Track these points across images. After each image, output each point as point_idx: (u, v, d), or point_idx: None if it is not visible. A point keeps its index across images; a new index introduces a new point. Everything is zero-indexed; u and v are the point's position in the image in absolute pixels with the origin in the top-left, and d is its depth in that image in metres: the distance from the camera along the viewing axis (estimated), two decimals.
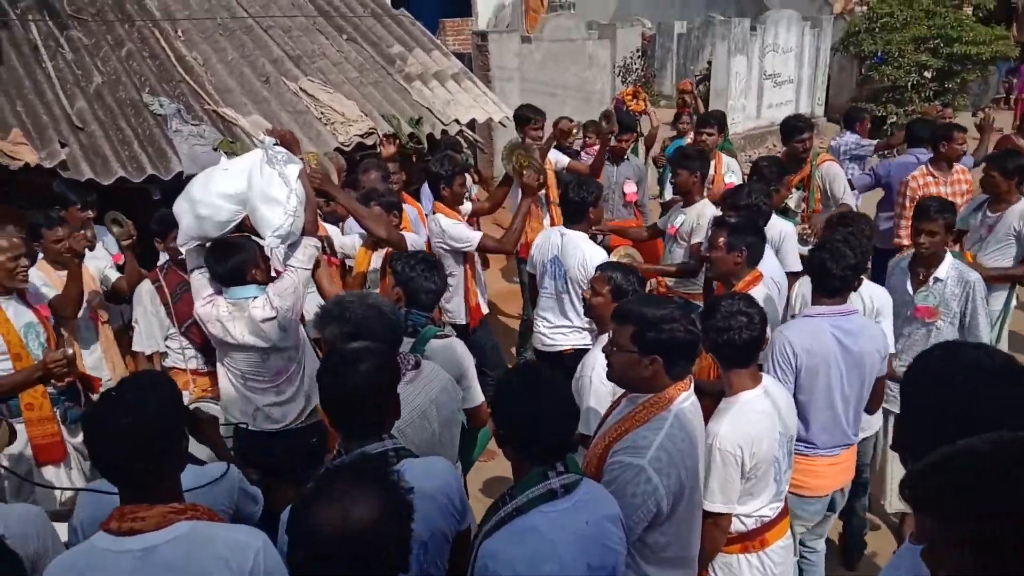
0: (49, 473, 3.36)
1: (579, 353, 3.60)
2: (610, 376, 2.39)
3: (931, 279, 3.72)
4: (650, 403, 2.23)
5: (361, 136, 5.83)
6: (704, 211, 4.55)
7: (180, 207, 3.08)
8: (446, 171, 4.41)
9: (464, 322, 4.51)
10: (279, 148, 3.16)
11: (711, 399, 2.67)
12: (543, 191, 5.22)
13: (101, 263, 4.30)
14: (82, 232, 3.70)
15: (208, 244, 3.09)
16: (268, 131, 3.40)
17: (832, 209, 5.11)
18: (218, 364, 3.23)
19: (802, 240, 4.78)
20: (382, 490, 1.44)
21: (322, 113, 5.90)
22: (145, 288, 3.66)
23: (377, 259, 4.18)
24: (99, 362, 4.01)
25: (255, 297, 3.04)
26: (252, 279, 3.07)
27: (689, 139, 6.34)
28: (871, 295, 3.48)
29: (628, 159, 5.98)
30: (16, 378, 3.17)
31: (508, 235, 4.46)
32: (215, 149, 5.23)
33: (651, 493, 2.10)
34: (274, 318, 3.03)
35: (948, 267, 3.71)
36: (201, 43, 6.17)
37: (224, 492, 2.05)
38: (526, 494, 1.88)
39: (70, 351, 3.26)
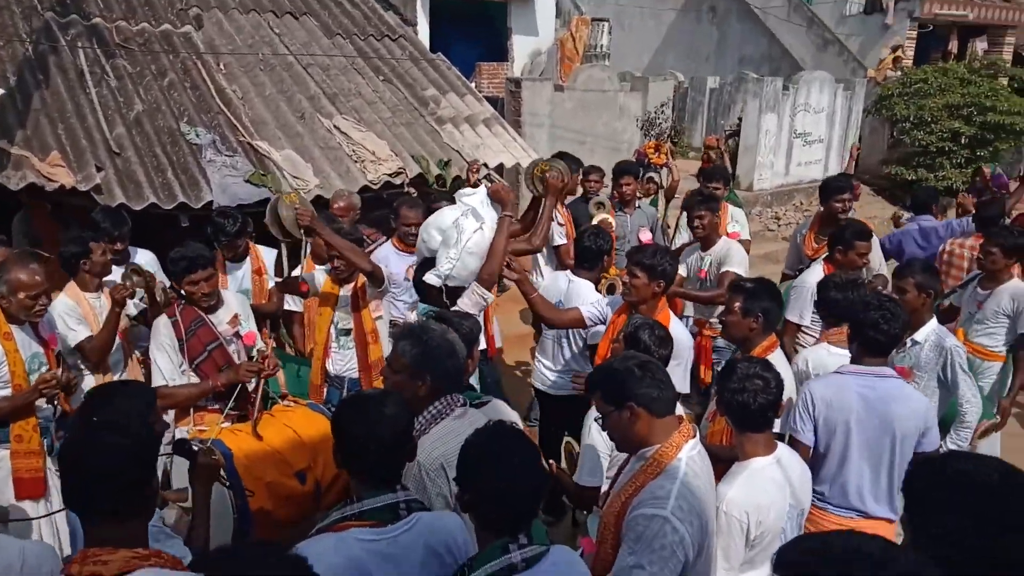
0: (26, 507, 3.33)
1: (578, 399, 3.58)
2: (614, 444, 2.43)
3: (908, 341, 3.70)
4: (659, 454, 2.22)
5: (390, 175, 5.90)
6: (730, 248, 4.73)
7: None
8: None
9: (483, 347, 4.48)
10: (474, 200, 3.46)
11: (724, 465, 2.62)
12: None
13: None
14: (124, 284, 3.79)
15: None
16: (490, 187, 3.57)
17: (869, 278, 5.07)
18: None
19: None
20: None
21: (353, 151, 5.99)
22: (162, 322, 3.68)
23: (344, 295, 4.13)
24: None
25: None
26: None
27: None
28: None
29: (640, 207, 5.95)
30: (13, 403, 3.26)
31: (535, 235, 4.40)
32: (246, 180, 5.33)
33: (679, 543, 2.06)
34: None
35: (927, 332, 3.70)
36: (241, 76, 6.33)
37: None
38: (484, 568, 1.80)
39: (60, 372, 3.36)
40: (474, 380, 3.61)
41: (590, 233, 4.30)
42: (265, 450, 3.27)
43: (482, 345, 4.40)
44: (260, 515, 2.99)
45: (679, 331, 3.61)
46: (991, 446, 4.21)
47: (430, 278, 3.38)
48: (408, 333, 2.57)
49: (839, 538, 1.21)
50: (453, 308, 3.30)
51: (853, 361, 3.12)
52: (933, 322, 3.74)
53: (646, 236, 5.78)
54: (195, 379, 3.61)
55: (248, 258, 4.51)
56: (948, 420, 3.66)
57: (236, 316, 3.74)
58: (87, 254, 3.96)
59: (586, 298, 4.05)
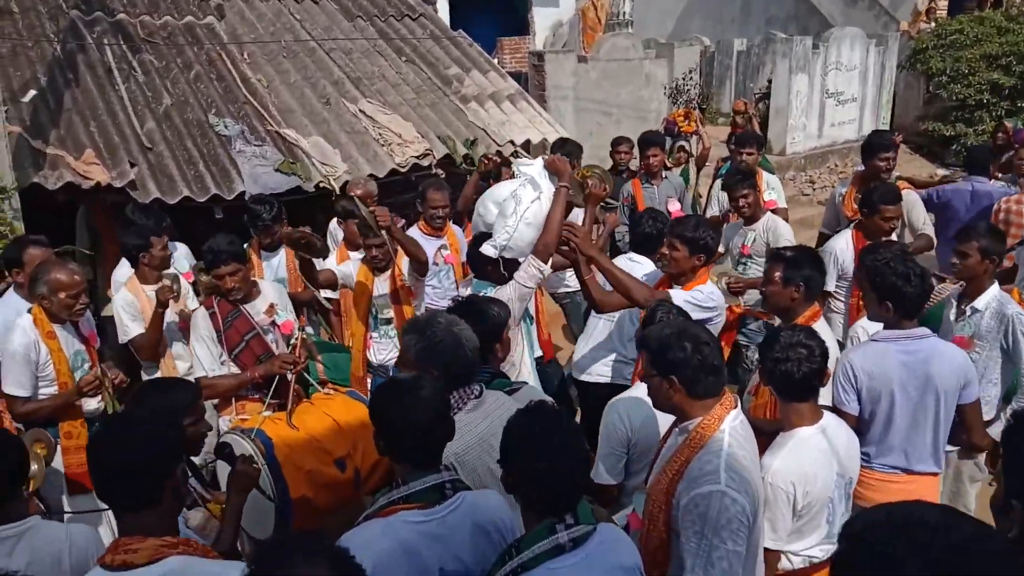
0: (76, 503, 3.43)
1: (615, 388, 3.54)
2: (652, 403, 2.39)
3: (968, 309, 3.60)
4: (701, 426, 2.19)
5: (417, 157, 5.89)
6: (777, 225, 4.70)
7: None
8: None
9: (539, 353, 4.41)
10: (532, 171, 3.44)
11: (767, 438, 2.59)
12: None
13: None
14: (169, 284, 3.86)
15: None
16: (547, 158, 3.55)
17: (911, 240, 4.95)
18: None
19: None
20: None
21: (380, 134, 5.99)
22: (200, 314, 3.75)
23: (382, 285, 4.11)
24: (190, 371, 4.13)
25: (483, 293, 3.38)
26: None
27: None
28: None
29: (666, 178, 5.85)
30: (55, 402, 3.38)
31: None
32: (276, 170, 5.36)
33: (741, 512, 2.06)
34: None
35: (988, 299, 3.56)
36: (265, 65, 6.35)
37: None
38: (532, 549, 1.80)
39: (103, 370, 3.47)
40: (533, 381, 3.59)
41: (648, 217, 4.22)
42: (305, 438, 3.31)
43: (537, 352, 4.31)
44: (300, 503, 3.04)
45: (714, 292, 3.56)
46: None
47: (487, 248, 3.36)
48: (413, 327, 2.54)
49: (901, 508, 1.20)
50: (511, 280, 3.29)
51: (887, 327, 3.07)
52: (994, 288, 3.59)
53: (675, 206, 5.68)
54: (235, 369, 3.68)
55: (283, 247, 4.54)
56: (1012, 392, 3.55)
57: (272, 306, 3.78)
58: (147, 247, 4.07)
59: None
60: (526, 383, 2.95)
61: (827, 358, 2.58)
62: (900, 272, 2.96)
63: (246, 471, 2.52)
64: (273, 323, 3.77)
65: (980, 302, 3.57)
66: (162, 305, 3.88)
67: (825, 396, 2.86)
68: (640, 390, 2.74)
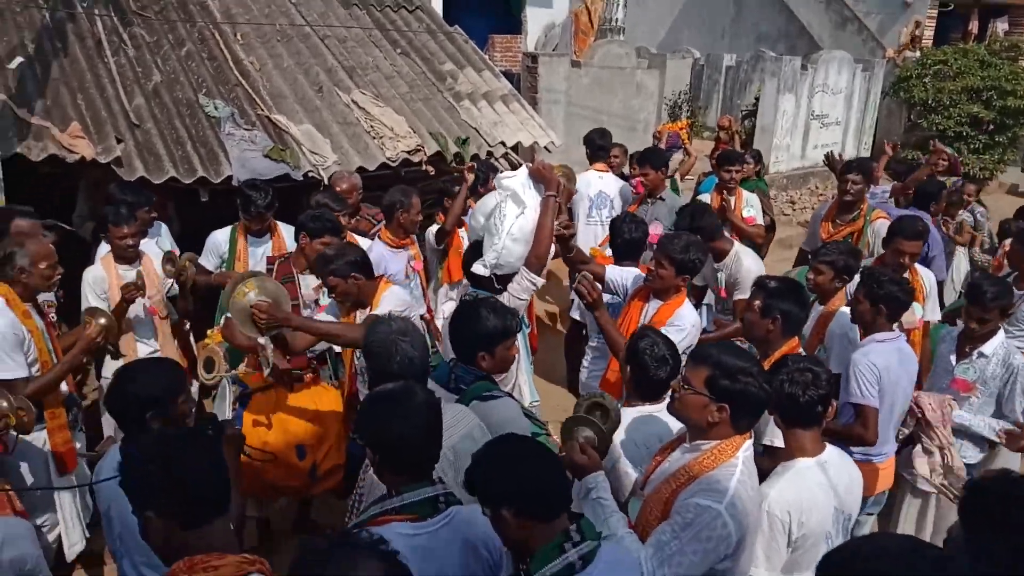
0: (60, 480, 3.38)
1: None
2: (671, 409, 2.36)
3: (975, 353, 3.65)
4: (719, 449, 2.20)
5: (408, 152, 5.85)
6: (741, 261, 4.41)
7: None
8: None
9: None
10: (514, 183, 3.35)
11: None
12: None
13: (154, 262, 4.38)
14: (133, 282, 3.83)
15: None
16: (531, 166, 3.45)
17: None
18: None
19: None
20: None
21: (371, 127, 5.94)
22: (262, 266, 3.93)
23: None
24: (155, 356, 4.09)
25: None
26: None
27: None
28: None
29: (663, 199, 5.59)
30: (65, 366, 3.34)
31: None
32: (265, 155, 5.29)
33: (724, 538, 2.08)
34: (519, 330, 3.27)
35: (996, 345, 3.62)
36: (259, 47, 6.26)
37: None
38: (544, 570, 1.80)
39: (102, 320, 3.47)
40: (528, 387, 3.69)
41: (627, 223, 4.22)
42: (279, 416, 3.54)
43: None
44: (248, 469, 3.15)
45: (690, 315, 3.57)
46: (1005, 461, 3.99)
47: (478, 268, 3.31)
48: (382, 321, 2.58)
49: (871, 541, 1.30)
50: (504, 293, 3.27)
51: (881, 330, 3.38)
52: (1001, 334, 3.67)
53: (656, 230, 5.55)
54: None
55: (271, 235, 4.49)
56: None
57: (319, 285, 3.81)
58: (106, 230, 4.02)
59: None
60: (506, 394, 2.86)
61: (832, 386, 2.59)
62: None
63: (235, 434, 2.52)
64: (316, 302, 3.82)
65: (988, 348, 3.61)
66: (126, 301, 3.85)
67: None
68: (627, 416, 2.77)
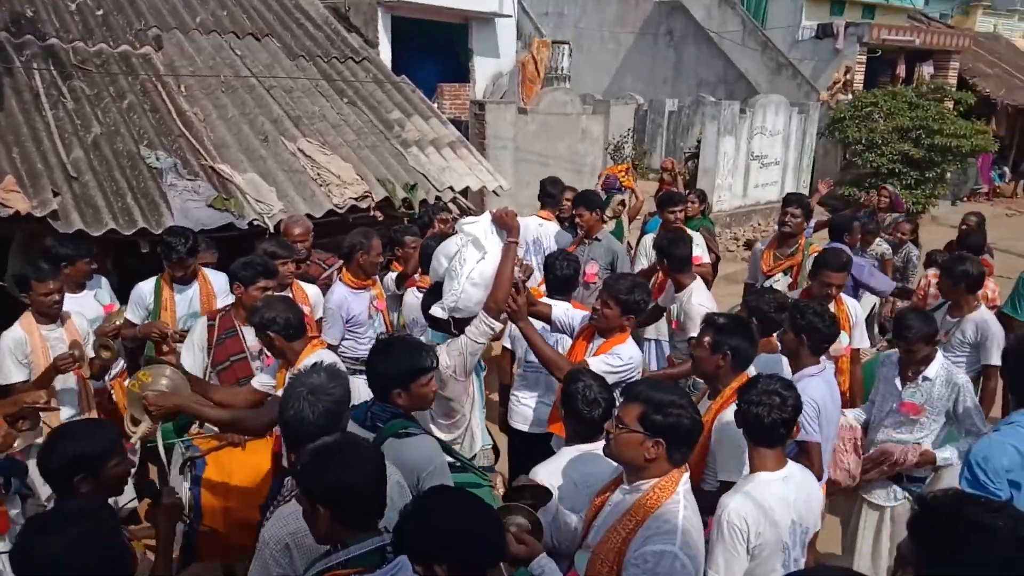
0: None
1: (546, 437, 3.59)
2: (607, 452, 2.36)
3: (920, 377, 3.76)
4: (659, 487, 2.22)
5: (356, 199, 5.86)
6: (690, 304, 4.42)
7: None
8: None
9: None
10: (476, 229, 3.35)
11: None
12: None
13: (89, 315, 4.26)
14: (71, 353, 3.66)
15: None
16: (495, 212, 3.43)
17: None
18: None
19: None
20: None
21: (318, 174, 5.94)
22: (201, 322, 3.82)
23: None
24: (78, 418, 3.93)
25: (438, 344, 3.36)
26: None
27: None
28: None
29: (599, 239, 5.60)
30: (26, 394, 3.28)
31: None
32: (209, 205, 5.24)
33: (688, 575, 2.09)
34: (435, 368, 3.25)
35: (938, 368, 3.75)
36: (203, 99, 6.24)
37: None
38: None
39: (76, 353, 3.56)
40: (480, 432, 3.67)
41: (559, 260, 4.25)
42: (238, 475, 3.42)
43: None
44: (207, 535, 3.10)
45: (630, 351, 3.57)
46: (951, 479, 4.21)
47: (436, 311, 3.30)
48: (314, 370, 2.52)
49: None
50: (462, 337, 3.27)
51: (809, 364, 3.47)
52: (940, 356, 3.80)
53: (592, 269, 5.57)
54: (215, 383, 3.70)
55: (196, 281, 4.41)
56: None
57: None
58: (31, 287, 3.80)
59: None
60: (423, 432, 2.75)
61: (799, 411, 2.68)
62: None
63: (173, 503, 2.44)
64: (262, 351, 3.71)
65: (930, 371, 3.74)
66: (57, 370, 3.62)
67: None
68: (566, 458, 2.77)
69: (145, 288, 4.36)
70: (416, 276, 4.81)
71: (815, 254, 5.17)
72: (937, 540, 1.59)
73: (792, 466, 2.69)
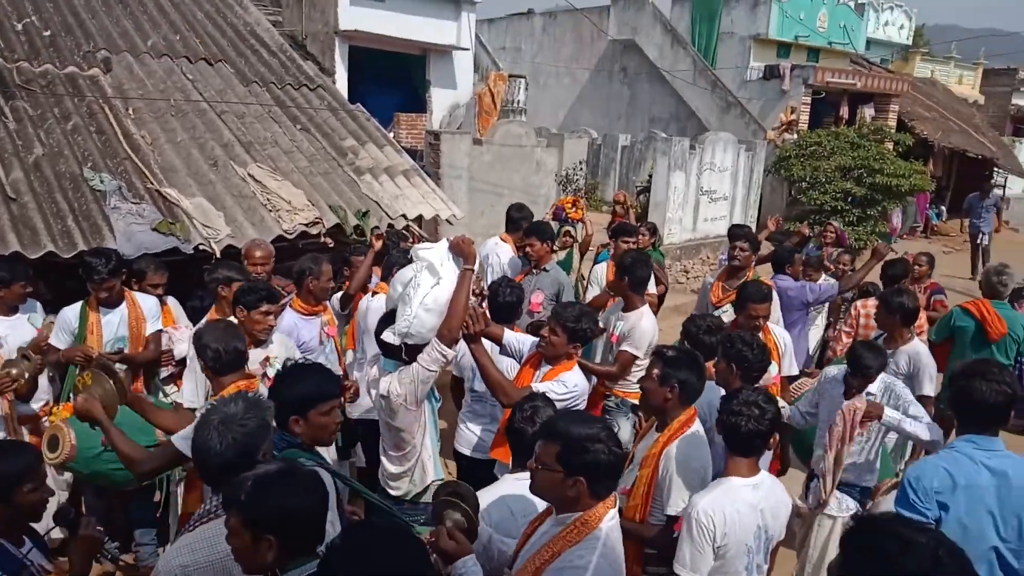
0: None
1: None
2: (533, 490, 2.35)
3: (864, 393, 3.92)
4: (580, 522, 2.21)
5: (306, 225, 5.83)
6: (639, 325, 4.54)
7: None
8: None
9: None
10: (431, 255, 3.32)
11: (634, 542, 2.76)
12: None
13: (24, 338, 4.13)
14: (5, 371, 3.58)
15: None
16: (451, 240, 3.39)
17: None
18: None
19: None
20: None
21: (268, 199, 5.89)
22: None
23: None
24: None
25: (389, 372, 3.33)
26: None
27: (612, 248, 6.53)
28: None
29: (547, 269, 5.65)
30: None
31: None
32: (154, 229, 5.15)
33: None
34: (386, 396, 3.25)
35: (878, 383, 4.00)
36: (151, 122, 6.17)
37: None
38: None
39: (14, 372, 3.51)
40: (432, 464, 3.55)
41: (503, 287, 4.27)
42: None
43: None
44: None
45: (578, 380, 3.61)
46: (890, 504, 4.33)
47: (388, 336, 3.25)
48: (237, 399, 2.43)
49: None
50: (414, 364, 3.22)
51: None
52: (883, 374, 4.03)
53: (536, 299, 5.64)
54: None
55: (124, 303, 4.31)
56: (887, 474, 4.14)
57: (267, 359, 3.75)
58: None
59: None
60: (319, 464, 2.60)
61: (776, 424, 2.79)
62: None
63: (90, 536, 2.35)
64: (264, 375, 3.64)
65: (874, 387, 3.97)
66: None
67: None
68: (507, 485, 2.78)
69: (70, 313, 4.25)
70: (371, 289, 4.80)
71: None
72: (862, 549, 1.65)
73: (763, 475, 2.81)
